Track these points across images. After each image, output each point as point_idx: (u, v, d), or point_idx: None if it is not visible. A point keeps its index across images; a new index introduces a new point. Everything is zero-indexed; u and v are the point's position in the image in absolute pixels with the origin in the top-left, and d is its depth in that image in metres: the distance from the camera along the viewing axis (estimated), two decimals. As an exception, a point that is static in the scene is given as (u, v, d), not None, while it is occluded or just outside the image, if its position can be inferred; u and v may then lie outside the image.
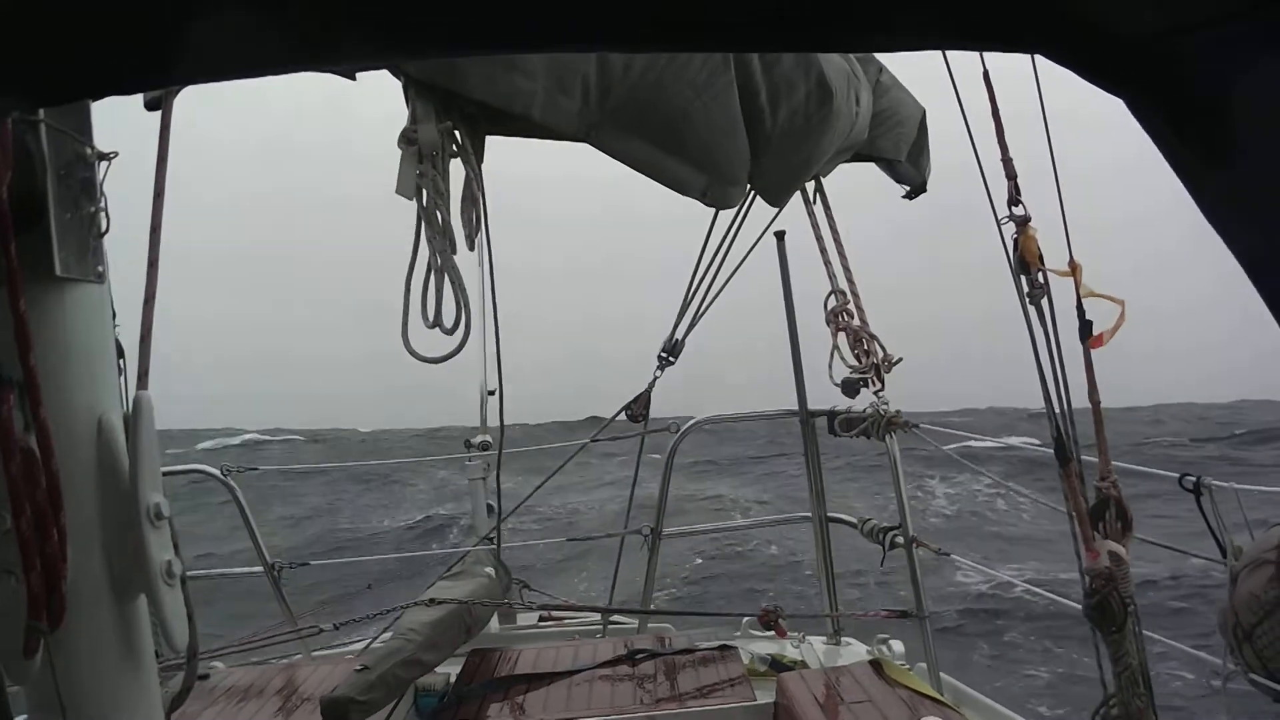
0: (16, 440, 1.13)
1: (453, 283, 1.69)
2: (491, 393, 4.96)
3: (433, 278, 1.69)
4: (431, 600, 3.48)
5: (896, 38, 0.71)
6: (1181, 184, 0.68)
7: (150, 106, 1.52)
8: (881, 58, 3.19)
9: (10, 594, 1.16)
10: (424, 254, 1.70)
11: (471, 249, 1.77)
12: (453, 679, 3.55)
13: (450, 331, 1.70)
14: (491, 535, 4.43)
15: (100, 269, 1.37)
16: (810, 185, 3.55)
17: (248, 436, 54.38)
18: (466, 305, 1.70)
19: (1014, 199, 2.33)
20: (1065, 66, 0.68)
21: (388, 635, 3.54)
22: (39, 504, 1.15)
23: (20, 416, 1.15)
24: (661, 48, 0.86)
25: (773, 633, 3.99)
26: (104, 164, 1.37)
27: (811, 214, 3.56)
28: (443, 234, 1.67)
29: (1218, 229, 0.69)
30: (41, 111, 1.23)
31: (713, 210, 3.41)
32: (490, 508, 4.62)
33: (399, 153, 1.70)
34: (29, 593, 1.15)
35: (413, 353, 1.72)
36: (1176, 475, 2.64)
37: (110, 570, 1.35)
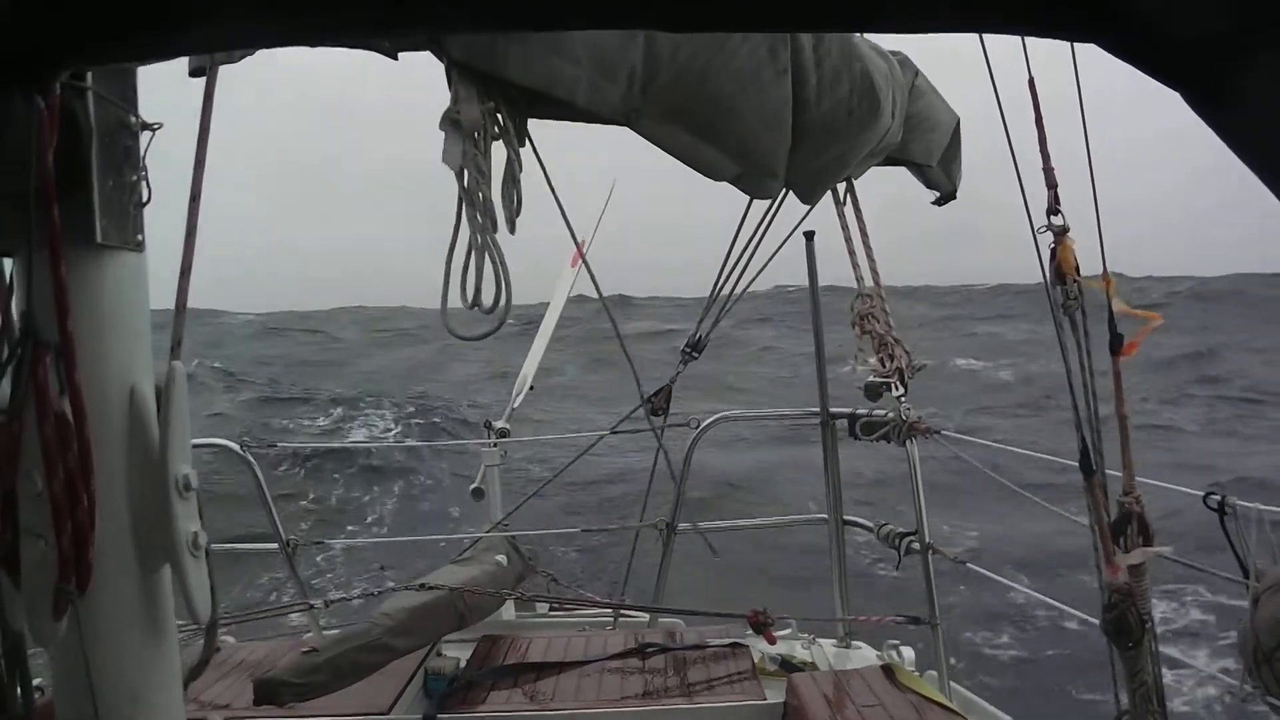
0: (52, 403, 1.14)
1: (493, 261, 1.69)
2: (533, 388, 4.98)
3: (473, 258, 1.70)
4: (422, 585, 3.43)
5: (945, 19, 0.70)
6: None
7: (195, 74, 1.52)
8: (917, 61, 3.18)
9: (39, 558, 1.17)
10: (464, 235, 1.71)
11: (513, 231, 1.77)
12: (463, 664, 3.56)
13: (489, 311, 1.71)
14: (506, 522, 4.44)
15: (139, 238, 1.37)
16: (841, 186, 3.54)
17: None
18: (508, 283, 1.70)
19: (1053, 209, 2.31)
20: (1121, 59, 0.67)
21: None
22: (70, 468, 1.16)
23: (55, 380, 1.15)
24: (698, 26, 0.84)
25: (779, 635, 3.96)
26: (147, 134, 1.38)
27: (841, 214, 3.55)
28: (484, 213, 1.67)
29: None
30: (89, 78, 1.24)
31: (743, 209, 3.40)
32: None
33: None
34: (59, 555, 1.15)
35: (452, 331, 1.74)
36: (1201, 494, 2.60)
37: (136, 539, 1.36)
